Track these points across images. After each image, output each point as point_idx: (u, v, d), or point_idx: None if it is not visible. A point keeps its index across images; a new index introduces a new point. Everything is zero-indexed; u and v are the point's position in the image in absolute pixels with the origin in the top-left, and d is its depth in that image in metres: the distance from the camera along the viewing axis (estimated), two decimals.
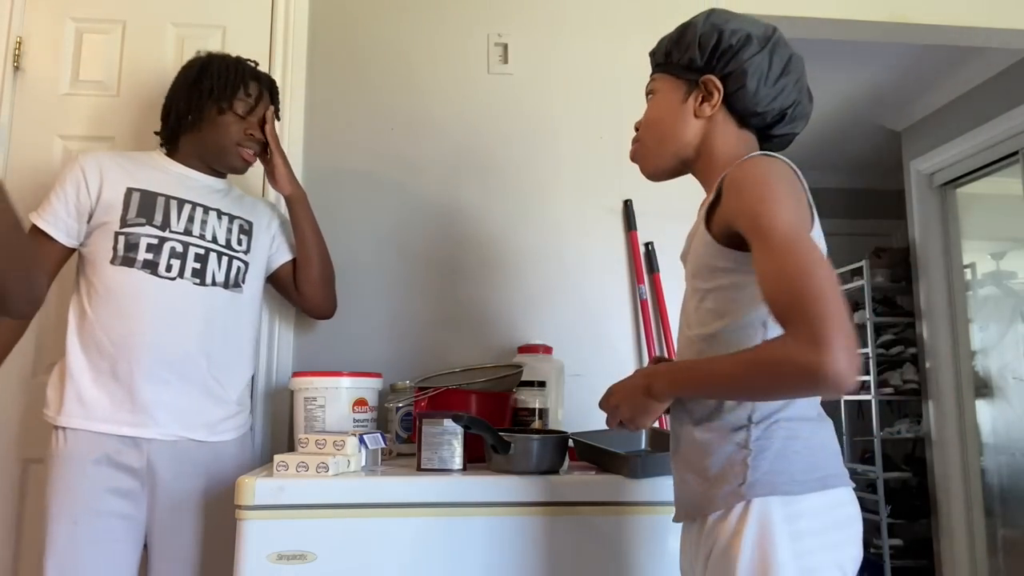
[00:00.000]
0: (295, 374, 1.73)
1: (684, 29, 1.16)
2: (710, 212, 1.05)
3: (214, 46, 1.97)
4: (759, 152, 1.08)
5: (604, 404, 1.14)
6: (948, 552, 3.68)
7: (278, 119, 1.75)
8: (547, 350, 1.90)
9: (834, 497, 0.98)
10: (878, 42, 2.64)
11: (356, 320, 2.01)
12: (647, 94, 1.22)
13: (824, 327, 0.83)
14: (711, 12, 1.15)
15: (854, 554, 0.98)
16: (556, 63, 2.18)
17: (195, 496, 1.54)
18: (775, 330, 0.97)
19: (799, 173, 1.02)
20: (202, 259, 1.59)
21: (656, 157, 1.19)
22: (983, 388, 3.60)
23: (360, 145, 2.09)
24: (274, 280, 1.81)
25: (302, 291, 1.79)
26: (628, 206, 2.12)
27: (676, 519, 1.12)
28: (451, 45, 2.16)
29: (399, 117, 2.11)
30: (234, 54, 1.69)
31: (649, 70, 1.24)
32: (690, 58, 1.14)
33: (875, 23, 2.32)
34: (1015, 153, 3.34)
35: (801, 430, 1.00)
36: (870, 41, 2.56)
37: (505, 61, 2.16)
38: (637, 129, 1.22)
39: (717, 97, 1.12)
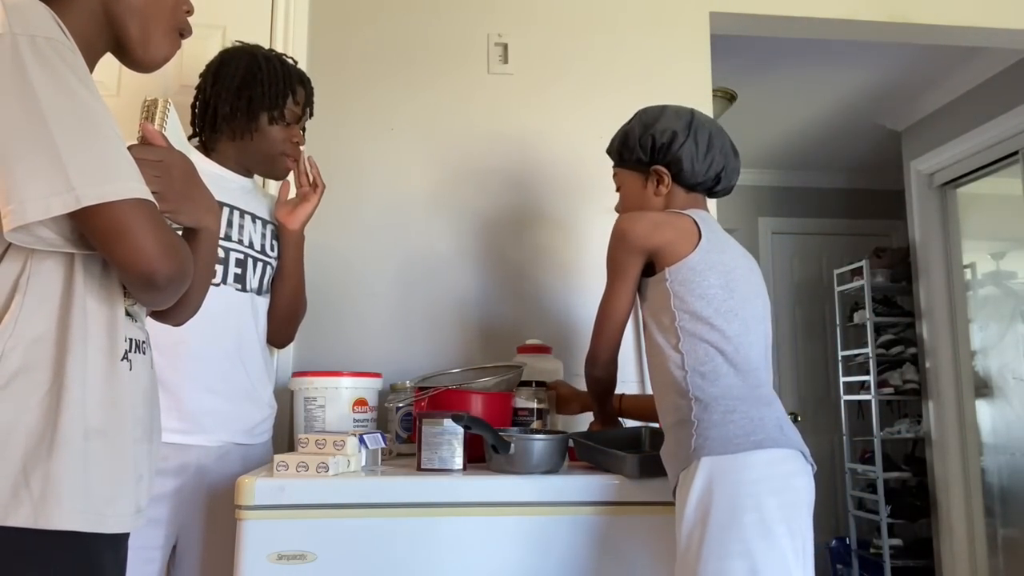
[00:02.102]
0: (295, 374, 1.73)
1: (625, 135, 1.49)
2: None
3: (214, 46, 1.97)
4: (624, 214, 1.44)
5: None
6: (948, 552, 3.68)
7: (311, 116, 1.69)
8: (546, 349, 1.90)
9: (769, 455, 1.21)
10: (878, 42, 2.64)
11: (356, 320, 2.01)
12: (617, 188, 1.55)
13: (594, 344, 1.45)
14: (640, 113, 1.49)
15: (791, 499, 1.20)
16: (556, 63, 2.18)
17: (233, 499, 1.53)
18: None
19: (649, 221, 1.38)
20: (242, 264, 1.56)
21: None
22: (983, 388, 3.60)
23: (360, 145, 2.09)
24: None
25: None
26: None
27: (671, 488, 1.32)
28: (451, 45, 2.16)
29: (399, 117, 2.11)
30: (268, 47, 1.63)
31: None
32: (637, 157, 1.48)
33: (875, 23, 2.32)
34: (1015, 153, 3.34)
35: (738, 407, 1.24)
36: (870, 41, 2.56)
37: (505, 61, 2.16)
38: (619, 211, 1.54)
39: (667, 180, 1.46)
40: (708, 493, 1.18)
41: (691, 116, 1.46)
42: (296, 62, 1.66)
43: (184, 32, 1.07)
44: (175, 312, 1.08)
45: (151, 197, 0.87)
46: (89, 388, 0.87)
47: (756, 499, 1.17)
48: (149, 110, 0.98)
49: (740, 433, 1.21)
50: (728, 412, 1.24)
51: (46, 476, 0.82)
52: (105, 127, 0.86)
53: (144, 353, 1.00)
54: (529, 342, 1.91)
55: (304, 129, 1.69)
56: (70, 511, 0.83)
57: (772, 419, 1.26)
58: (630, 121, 1.51)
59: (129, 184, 0.84)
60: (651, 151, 1.45)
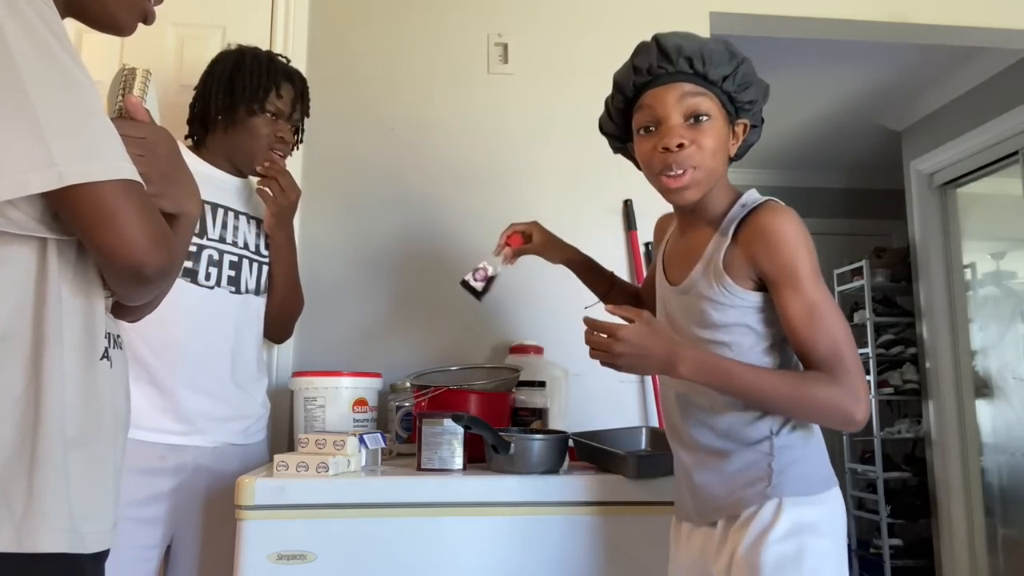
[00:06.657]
0: (295, 374, 1.73)
1: (742, 67, 1.12)
2: (727, 253, 1.11)
3: (214, 46, 1.97)
4: (770, 199, 1.12)
5: (605, 346, 1.08)
6: (948, 552, 3.68)
7: (307, 115, 1.68)
8: (538, 350, 1.89)
9: (834, 493, 1.14)
10: (878, 42, 2.64)
11: (356, 320, 2.01)
12: (699, 115, 1.11)
13: (859, 384, 1.05)
14: (737, 51, 1.14)
15: (843, 535, 1.15)
16: (556, 63, 2.18)
17: (229, 498, 1.53)
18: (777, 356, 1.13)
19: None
20: (236, 266, 1.56)
21: (707, 187, 1.14)
22: (983, 388, 3.59)
23: (360, 145, 2.09)
24: None
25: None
26: (628, 206, 2.12)
27: (697, 523, 1.18)
28: (451, 45, 2.16)
29: (399, 117, 2.11)
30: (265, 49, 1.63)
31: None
32: (751, 101, 1.15)
33: (875, 23, 2.32)
34: (1015, 153, 3.34)
35: (809, 441, 1.14)
36: (870, 41, 2.56)
37: (505, 61, 2.16)
38: (680, 146, 1.10)
39: (739, 142, 1.19)
40: (797, 538, 1.07)
41: None
42: (289, 61, 1.65)
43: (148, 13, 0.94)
44: (139, 308, 0.95)
45: (140, 179, 0.77)
46: (67, 392, 0.77)
47: (836, 543, 1.11)
48: (127, 80, 0.85)
49: (814, 471, 1.13)
50: (803, 447, 1.13)
51: (28, 493, 0.72)
52: (89, 97, 0.75)
53: (121, 348, 0.91)
54: (524, 342, 1.91)
55: (301, 129, 1.68)
56: (55, 531, 0.73)
57: (825, 452, 1.17)
58: (742, 59, 1.14)
59: (117, 164, 0.74)
60: (761, 104, 1.17)
